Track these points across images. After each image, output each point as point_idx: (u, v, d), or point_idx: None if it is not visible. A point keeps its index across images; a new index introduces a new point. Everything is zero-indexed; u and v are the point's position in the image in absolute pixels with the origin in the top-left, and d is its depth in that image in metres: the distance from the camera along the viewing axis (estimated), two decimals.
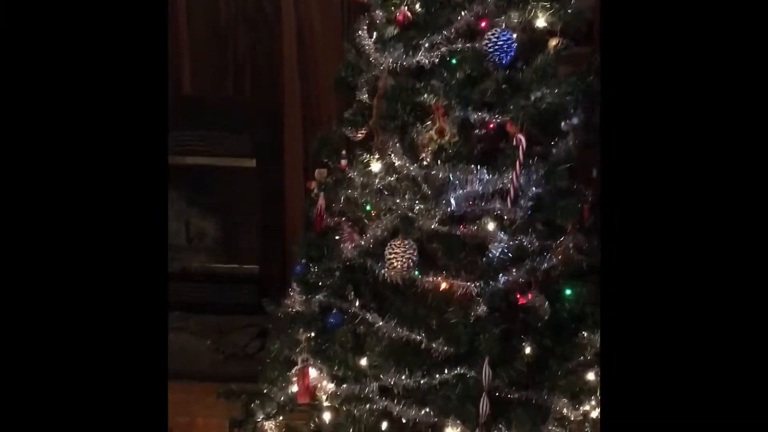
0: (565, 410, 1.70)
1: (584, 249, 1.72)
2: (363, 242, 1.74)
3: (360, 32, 1.77)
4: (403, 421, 1.72)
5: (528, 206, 1.67)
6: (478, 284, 1.65)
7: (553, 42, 1.70)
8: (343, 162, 1.83)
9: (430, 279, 1.68)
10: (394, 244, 1.66)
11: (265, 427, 1.88)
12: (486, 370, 1.64)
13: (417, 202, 1.68)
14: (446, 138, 1.64)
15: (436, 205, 1.66)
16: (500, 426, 1.67)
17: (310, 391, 1.77)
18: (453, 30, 1.66)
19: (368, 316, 1.73)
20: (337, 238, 1.80)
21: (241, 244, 2.81)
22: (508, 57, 1.65)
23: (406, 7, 1.70)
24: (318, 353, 1.78)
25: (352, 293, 1.78)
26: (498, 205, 1.65)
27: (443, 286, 1.68)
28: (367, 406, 1.73)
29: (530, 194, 1.67)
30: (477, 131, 1.69)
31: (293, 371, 1.79)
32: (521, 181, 1.64)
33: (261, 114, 2.60)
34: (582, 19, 1.71)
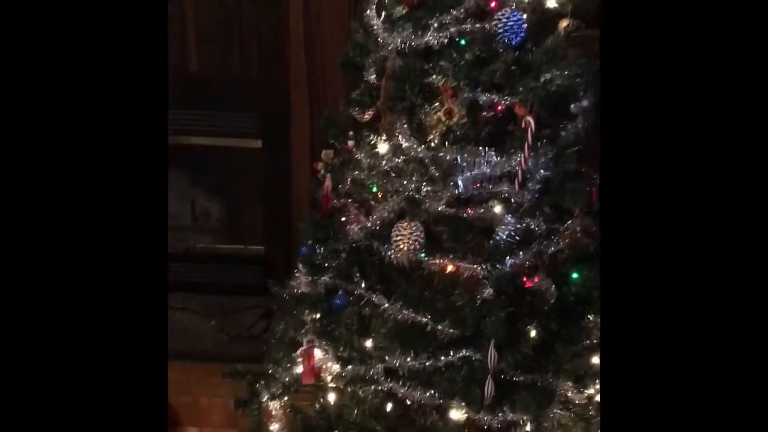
0: (569, 393, 1.71)
1: (592, 232, 1.71)
2: (369, 224, 1.73)
3: (368, 12, 1.75)
4: (408, 402, 1.72)
5: (536, 189, 1.66)
6: (484, 267, 1.65)
7: (563, 23, 1.68)
8: (350, 143, 1.83)
9: (437, 261, 1.68)
10: (401, 226, 1.65)
11: (270, 408, 1.88)
12: (491, 353, 1.64)
13: (424, 183, 1.67)
14: (454, 119, 1.63)
15: (443, 187, 1.66)
16: (505, 408, 1.68)
17: (315, 372, 1.78)
18: (462, 10, 1.65)
19: (374, 297, 1.73)
20: (343, 219, 1.79)
21: (246, 224, 2.80)
22: (518, 38, 1.63)
23: None
24: (323, 334, 1.78)
25: (358, 275, 1.78)
26: (506, 188, 1.65)
27: (449, 268, 1.67)
28: (372, 387, 1.73)
29: (538, 177, 1.66)
30: (485, 113, 1.68)
31: (298, 352, 1.80)
32: (529, 163, 1.64)
33: (267, 94, 2.59)
34: (592, 1, 1.70)
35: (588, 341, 1.71)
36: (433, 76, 1.64)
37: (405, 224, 1.65)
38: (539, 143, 1.66)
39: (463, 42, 1.66)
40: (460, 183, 1.65)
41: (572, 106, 1.68)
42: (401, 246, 1.64)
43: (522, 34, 1.63)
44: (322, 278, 1.79)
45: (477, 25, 1.65)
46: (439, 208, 1.66)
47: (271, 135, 2.62)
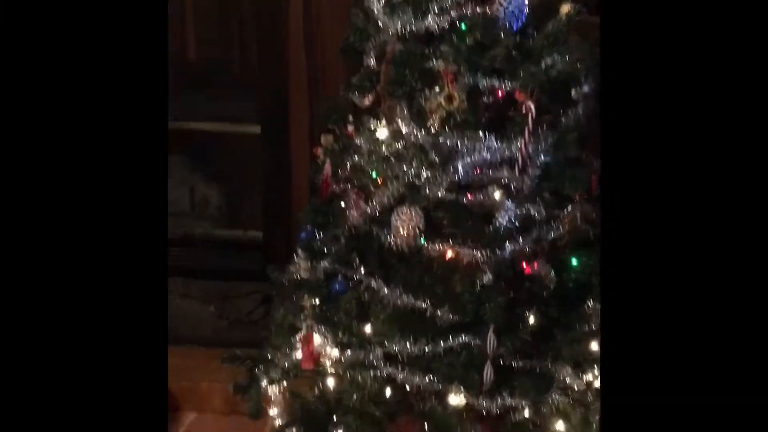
0: (568, 379, 1.70)
1: (592, 219, 1.70)
2: (369, 209, 1.73)
3: None
4: (407, 387, 1.73)
5: (536, 175, 1.66)
6: (484, 253, 1.64)
7: (565, 8, 1.67)
8: (350, 128, 1.82)
9: (436, 247, 1.67)
10: (401, 212, 1.65)
11: (269, 393, 1.89)
12: (491, 339, 1.64)
13: (424, 169, 1.67)
14: (455, 105, 1.62)
15: (443, 173, 1.65)
16: (504, 394, 1.68)
17: (315, 357, 1.78)
18: None
19: (373, 283, 1.73)
20: (342, 204, 1.79)
21: (245, 210, 2.80)
22: (519, 23, 1.63)
23: None
24: (322, 320, 1.78)
25: (358, 260, 1.78)
26: (506, 174, 1.64)
27: (449, 254, 1.67)
28: (372, 372, 1.73)
29: (538, 163, 1.65)
30: (486, 98, 1.68)
31: (297, 337, 1.80)
32: (530, 149, 1.63)
33: (266, 79, 2.58)
34: None
35: (587, 327, 1.71)
36: (434, 61, 1.64)
37: (405, 210, 1.65)
38: (540, 129, 1.65)
39: (463, 26, 1.65)
40: (460, 168, 1.64)
41: (573, 91, 1.67)
42: (401, 231, 1.64)
43: (523, 19, 1.63)
44: (322, 263, 1.79)
45: (478, 10, 1.64)
46: (439, 194, 1.66)
47: (270, 120, 2.61)
